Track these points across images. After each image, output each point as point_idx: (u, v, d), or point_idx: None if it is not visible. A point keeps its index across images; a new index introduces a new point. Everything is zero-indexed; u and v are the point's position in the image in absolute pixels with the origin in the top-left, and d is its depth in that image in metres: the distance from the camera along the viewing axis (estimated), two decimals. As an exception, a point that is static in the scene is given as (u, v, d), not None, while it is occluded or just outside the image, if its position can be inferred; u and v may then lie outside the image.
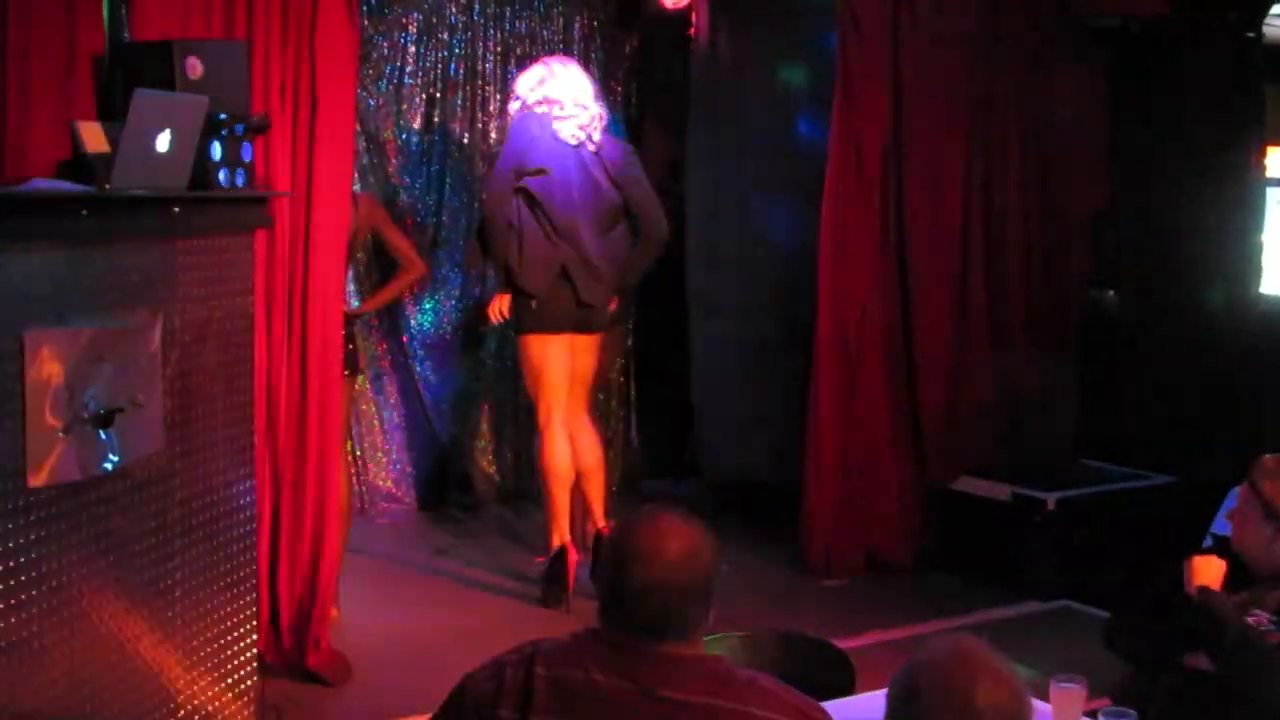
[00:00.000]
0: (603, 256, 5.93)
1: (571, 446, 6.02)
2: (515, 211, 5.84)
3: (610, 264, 5.96)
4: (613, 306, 6.19)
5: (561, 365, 5.97)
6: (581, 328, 5.97)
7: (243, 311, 4.37)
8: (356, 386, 6.63)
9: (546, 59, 6.23)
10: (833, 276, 6.35)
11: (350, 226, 5.31)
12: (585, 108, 5.90)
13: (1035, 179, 6.83)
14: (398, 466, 7.50)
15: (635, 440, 7.92)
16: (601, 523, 5.98)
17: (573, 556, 5.91)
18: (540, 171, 5.82)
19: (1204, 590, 3.54)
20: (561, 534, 5.93)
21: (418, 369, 7.46)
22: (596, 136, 5.92)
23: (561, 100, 5.88)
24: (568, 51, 7.50)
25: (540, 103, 5.90)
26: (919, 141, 6.44)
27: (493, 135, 7.47)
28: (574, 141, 5.87)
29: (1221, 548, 3.79)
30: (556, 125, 5.86)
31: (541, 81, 5.93)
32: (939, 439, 6.57)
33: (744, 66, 7.26)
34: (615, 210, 5.97)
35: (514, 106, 6.05)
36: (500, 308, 6.03)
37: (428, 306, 7.47)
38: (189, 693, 4.08)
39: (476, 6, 7.41)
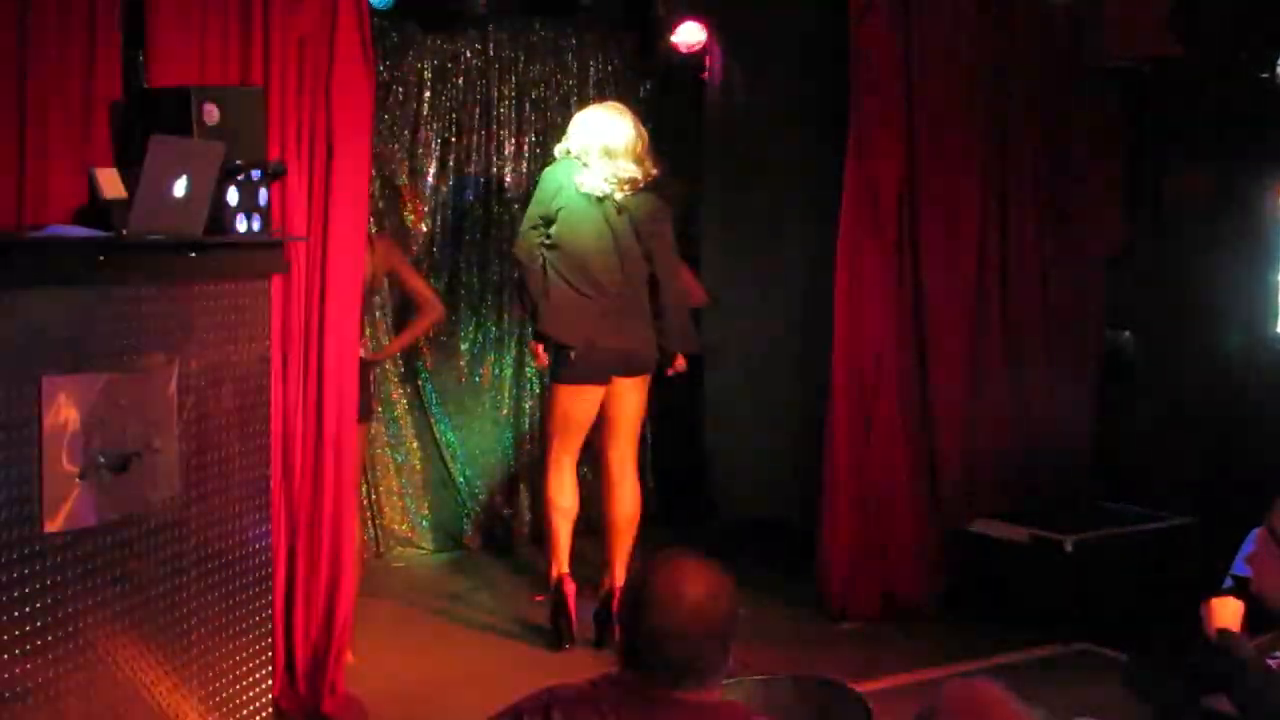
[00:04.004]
0: (637, 302, 5.89)
1: (612, 496, 6.01)
2: (542, 260, 5.82)
3: (648, 309, 5.92)
4: (680, 365, 6.12)
5: (587, 414, 5.94)
6: (626, 371, 5.91)
7: (259, 356, 4.38)
8: (371, 431, 6.64)
9: (609, 106, 6.05)
10: (848, 319, 6.34)
11: (367, 270, 5.33)
12: (616, 160, 5.76)
13: (1051, 221, 6.82)
14: (413, 510, 7.48)
15: (651, 482, 7.89)
16: (619, 583, 5.79)
17: (569, 587, 5.90)
18: (563, 220, 5.77)
19: (1224, 632, 3.53)
20: (560, 566, 5.93)
21: (433, 412, 7.46)
22: (623, 192, 5.78)
23: (591, 149, 5.77)
24: (582, 94, 7.53)
25: (575, 154, 5.81)
26: (934, 183, 6.43)
27: (508, 179, 7.50)
28: (598, 194, 5.76)
29: (1241, 590, 3.78)
30: (579, 178, 5.77)
31: (583, 124, 5.86)
32: (955, 482, 6.54)
33: (758, 109, 7.29)
34: (645, 260, 5.90)
35: (559, 148, 5.96)
36: (539, 351, 6.05)
37: (443, 350, 7.48)
38: (204, 738, 4.07)
39: (492, 50, 7.44)
